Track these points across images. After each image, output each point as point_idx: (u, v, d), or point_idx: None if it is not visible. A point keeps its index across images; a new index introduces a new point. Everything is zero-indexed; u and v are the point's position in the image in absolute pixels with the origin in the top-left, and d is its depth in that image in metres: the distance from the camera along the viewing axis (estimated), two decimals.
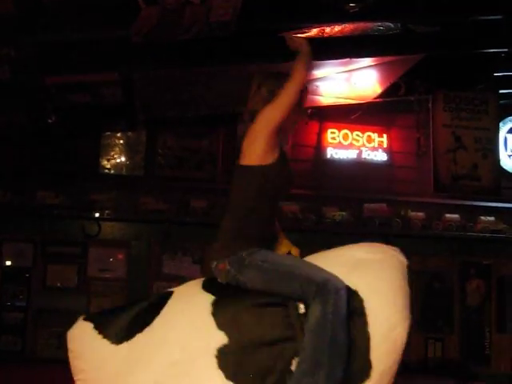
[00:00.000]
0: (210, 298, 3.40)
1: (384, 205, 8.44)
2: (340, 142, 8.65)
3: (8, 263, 7.96)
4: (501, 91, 8.64)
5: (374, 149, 8.76)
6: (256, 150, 3.45)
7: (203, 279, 3.63)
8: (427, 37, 6.51)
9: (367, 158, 8.74)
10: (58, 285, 7.97)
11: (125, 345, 3.39)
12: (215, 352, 3.21)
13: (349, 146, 8.69)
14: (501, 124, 8.91)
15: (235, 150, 8.43)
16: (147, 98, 7.03)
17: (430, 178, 8.49)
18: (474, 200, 8.68)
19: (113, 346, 3.42)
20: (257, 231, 3.57)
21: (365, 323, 3.27)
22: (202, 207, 7.94)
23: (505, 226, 8.61)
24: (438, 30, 6.39)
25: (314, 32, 5.98)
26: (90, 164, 8.22)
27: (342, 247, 3.69)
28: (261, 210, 3.56)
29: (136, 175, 8.31)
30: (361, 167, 8.71)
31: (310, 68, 3.61)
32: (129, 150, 8.35)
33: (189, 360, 3.23)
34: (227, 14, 4.84)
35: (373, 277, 3.40)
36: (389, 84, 7.78)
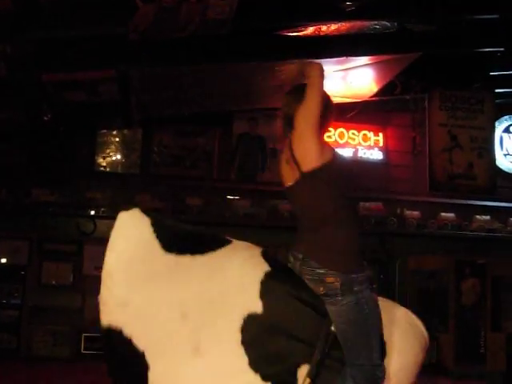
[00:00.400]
0: (265, 267, 3.40)
1: (380, 203, 8.46)
2: (336, 141, 8.66)
3: (3, 261, 7.95)
4: (497, 90, 8.66)
5: (369, 147, 8.78)
6: (312, 152, 3.43)
7: (263, 248, 3.56)
8: (423, 36, 6.52)
9: (363, 156, 8.76)
10: (54, 282, 7.96)
11: (172, 256, 3.37)
12: (245, 316, 3.26)
13: (345, 145, 8.70)
14: (496, 123, 8.93)
15: (230, 148, 8.46)
16: (143, 97, 7.02)
17: (425, 177, 8.50)
18: (469, 199, 8.69)
19: (161, 251, 3.39)
20: (357, 242, 3.48)
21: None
22: (198, 205, 7.94)
23: (500, 224, 8.63)
24: (434, 29, 6.39)
25: (310, 30, 5.99)
26: (85, 162, 8.21)
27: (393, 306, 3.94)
28: (348, 215, 3.51)
29: (132, 173, 8.31)
30: (357, 166, 8.71)
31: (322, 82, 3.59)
32: (125, 148, 8.35)
33: (220, 308, 3.27)
34: (224, 13, 4.84)
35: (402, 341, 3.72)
36: (385, 83, 7.79)
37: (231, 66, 6.26)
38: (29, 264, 7.96)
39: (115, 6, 4.89)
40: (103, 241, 8.40)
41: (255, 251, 3.50)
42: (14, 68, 5.57)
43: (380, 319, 3.45)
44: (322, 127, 3.51)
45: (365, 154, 8.75)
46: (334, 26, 5.99)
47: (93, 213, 7.83)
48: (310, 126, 3.42)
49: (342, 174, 3.53)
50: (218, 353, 3.22)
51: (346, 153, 8.67)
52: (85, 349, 7.68)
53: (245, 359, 3.21)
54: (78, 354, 7.71)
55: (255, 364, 3.22)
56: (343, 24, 5.96)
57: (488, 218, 8.68)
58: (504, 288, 8.90)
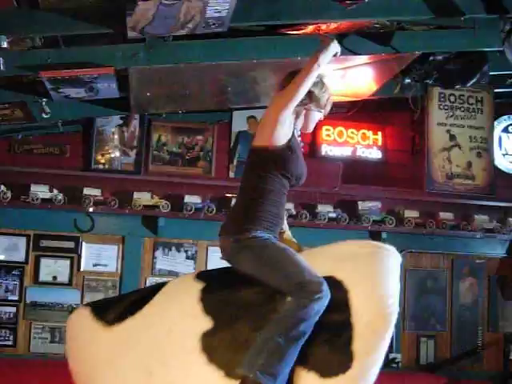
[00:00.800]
0: (200, 285, 3.49)
1: (378, 203, 8.46)
2: (335, 139, 8.66)
3: (1, 257, 7.94)
4: (496, 90, 8.65)
5: (368, 146, 8.78)
6: (267, 132, 3.61)
7: (199, 271, 3.70)
8: (423, 34, 6.51)
9: (362, 155, 8.76)
10: (51, 279, 7.95)
11: (115, 328, 3.52)
12: (200, 336, 3.31)
13: (343, 144, 8.70)
14: (495, 123, 8.93)
15: (229, 146, 8.46)
16: (142, 94, 7.01)
17: (424, 176, 8.49)
18: (467, 199, 8.69)
19: (105, 329, 3.54)
20: (266, 214, 3.62)
21: (348, 314, 3.33)
22: (196, 203, 7.93)
23: (498, 224, 8.63)
24: (433, 28, 6.39)
25: (309, 29, 5.98)
26: (84, 158, 8.20)
27: (336, 243, 3.74)
28: (272, 192, 3.64)
29: (130, 170, 8.29)
30: (355, 165, 8.72)
31: (324, 62, 3.70)
32: (123, 144, 8.33)
33: (174, 343, 3.34)
34: (223, 10, 4.83)
35: (361, 268, 3.45)
36: (384, 82, 7.78)
37: (230, 64, 6.25)
38: (26, 261, 7.95)
39: (114, 3, 4.88)
40: (101, 238, 8.47)
41: (188, 278, 3.64)
42: (12, 65, 5.56)
43: (292, 254, 3.53)
44: (290, 115, 3.64)
45: (363, 152, 8.75)
46: (333, 25, 5.99)
47: (91, 210, 7.82)
48: (276, 115, 3.58)
49: (286, 165, 3.65)
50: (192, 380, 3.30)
51: (344, 152, 8.68)
52: None
53: (220, 373, 3.27)
54: None
55: (229, 374, 3.26)
56: (343, 22, 5.96)
57: (486, 217, 8.68)
58: (501, 288, 8.90)
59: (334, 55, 3.82)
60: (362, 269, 3.44)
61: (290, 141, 3.66)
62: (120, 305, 3.63)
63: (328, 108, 3.92)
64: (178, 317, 3.40)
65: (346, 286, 3.37)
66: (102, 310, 3.65)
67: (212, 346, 3.28)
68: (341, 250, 3.63)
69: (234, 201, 7.93)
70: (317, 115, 3.87)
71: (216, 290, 3.47)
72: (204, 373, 3.26)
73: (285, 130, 3.63)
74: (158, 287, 3.68)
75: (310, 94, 3.73)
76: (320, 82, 3.85)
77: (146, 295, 3.63)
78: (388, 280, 3.44)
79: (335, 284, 3.37)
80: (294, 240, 3.97)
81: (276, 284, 3.43)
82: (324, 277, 3.39)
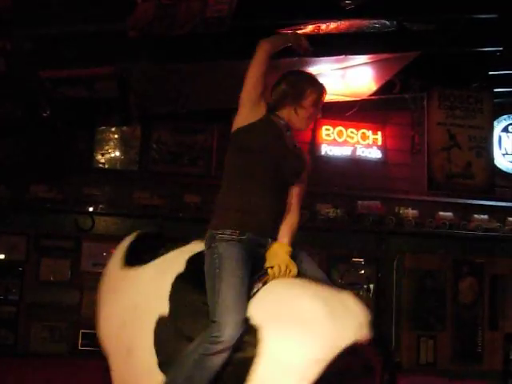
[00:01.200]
0: (180, 269, 3.48)
1: (378, 202, 8.47)
2: (334, 139, 8.67)
3: (1, 257, 7.95)
4: (496, 90, 8.66)
5: (368, 146, 8.78)
6: (237, 117, 3.57)
7: (194, 253, 3.57)
8: (423, 34, 6.52)
9: (361, 155, 8.76)
10: (51, 279, 7.96)
11: (124, 271, 3.85)
12: (157, 318, 3.38)
13: (343, 143, 8.71)
14: (495, 123, 8.93)
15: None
16: (142, 93, 7.02)
17: (424, 176, 8.50)
18: (467, 198, 8.71)
19: (120, 268, 3.92)
20: (235, 202, 3.44)
21: (251, 362, 3.04)
22: (196, 202, 7.94)
23: (498, 224, 8.64)
24: (433, 28, 6.40)
25: (309, 29, 5.99)
26: (84, 158, 8.21)
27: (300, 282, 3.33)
28: (245, 177, 3.47)
29: (130, 170, 8.31)
30: (355, 164, 8.72)
31: (269, 44, 3.73)
32: (123, 144, 8.35)
33: (144, 312, 3.46)
34: (223, 10, 4.84)
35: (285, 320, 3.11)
36: (384, 81, 7.79)
37: (230, 64, 6.25)
38: (27, 260, 7.96)
39: (114, 3, 4.89)
40: (101, 237, 8.46)
41: (184, 253, 3.62)
42: (14, 64, 5.57)
43: (237, 282, 3.18)
44: (251, 99, 3.61)
45: (363, 152, 8.76)
46: (333, 25, 5.99)
47: (91, 209, 7.83)
48: (241, 99, 3.60)
49: (261, 144, 3.52)
50: (140, 353, 3.42)
51: (344, 151, 8.69)
52: (82, 345, 7.69)
53: (155, 361, 3.32)
54: (75, 350, 7.72)
55: (163, 367, 3.29)
56: (342, 22, 5.97)
57: (486, 217, 8.69)
58: (501, 287, 8.91)
59: (291, 47, 3.81)
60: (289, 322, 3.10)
61: (253, 123, 3.54)
62: (140, 249, 3.88)
63: (317, 106, 3.84)
64: (155, 291, 3.49)
65: (260, 335, 3.06)
66: (130, 249, 3.94)
67: (160, 334, 3.35)
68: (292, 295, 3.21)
69: None
70: (305, 113, 3.77)
71: (188, 280, 3.41)
72: (148, 351, 3.36)
73: (244, 113, 3.57)
74: (167, 249, 3.72)
75: (285, 92, 3.72)
76: (295, 80, 3.77)
77: (157, 250, 3.75)
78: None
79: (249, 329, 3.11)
80: (287, 259, 3.38)
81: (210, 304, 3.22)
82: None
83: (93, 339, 7.56)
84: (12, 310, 7.83)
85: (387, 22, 6.16)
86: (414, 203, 8.64)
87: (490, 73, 8.19)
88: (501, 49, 6.85)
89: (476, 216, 8.66)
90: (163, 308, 3.37)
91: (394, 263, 8.58)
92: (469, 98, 8.65)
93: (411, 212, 8.49)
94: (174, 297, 3.37)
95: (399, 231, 8.41)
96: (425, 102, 8.53)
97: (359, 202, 8.41)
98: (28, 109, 6.92)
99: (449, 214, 8.59)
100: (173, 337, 3.30)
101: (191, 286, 3.40)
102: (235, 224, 3.36)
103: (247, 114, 3.55)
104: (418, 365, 8.54)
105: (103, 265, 8.07)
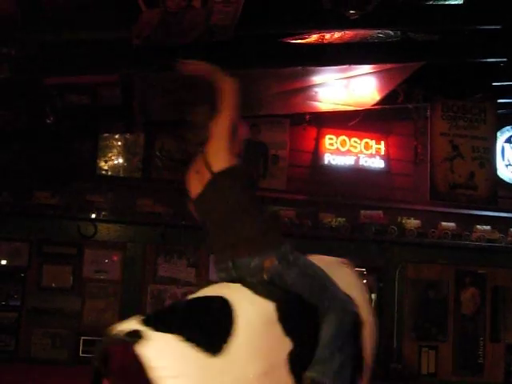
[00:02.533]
0: (270, 304, 3.36)
1: (380, 212, 8.46)
2: (338, 149, 8.67)
3: (3, 262, 7.95)
4: (499, 101, 8.66)
5: (371, 156, 8.79)
6: (224, 155, 3.77)
7: (238, 284, 3.46)
8: (426, 45, 6.53)
9: (364, 164, 8.76)
10: (53, 285, 7.95)
11: (219, 358, 3.09)
12: (285, 357, 3.31)
13: (346, 153, 8.71)
14: (498, 133, 8.94)
15: None
16: (146, 101, 7.03)
17: (426, 186, 8.50)
18: (470, 209, 8.70)
19: (208, 359, 3.06)
20: (266, 222, 3.70)
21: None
22: None
23: (501, 235, 8.63)
24: (437, 39, 6.41)
25: (313, 38, 6.00)
26: (87, 165, 8.22)
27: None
28: (252, 204, 3.73)
29: (133, 177, 8.31)
30: (358, 174, 8.72)
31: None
32: (127, 151, 8.35)
33: (273, 369, 3.27)
34: (228, 19, 4.85)
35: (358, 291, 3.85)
36: (387, 91, 7.80)
37: (234, 73, 6.26)
38: (29, 266, 7.95)
39: (119, 11, 4.90)
40: (104, 244, 8.46)
41: (246, 294, 3.45)
42: (18, 70, 5.58)
43: (324, 272, 3.65)
44: (234, 140, 3.89)
45: (366, 162, 8.76)
46: (337, 34, 6.01)
47: (94, 216, 7.83)
48: (223, 137, 3.80)
49: (246, 175, 3.88)
50: None
51: (347, 161, 8.69)
52: (83, 352, 7.67)
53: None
54: (76, 357, 7.71)
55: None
56: (347, 32, 5.98)
57: (488, 228, 8.68)
58: (503, 298, 8.89)
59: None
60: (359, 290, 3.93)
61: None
62: (200, 325, 3.19)
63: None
64: (268, 342, 3.27)
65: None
66: (190, 334, 3.08)
67: (296, 367, 3.34)
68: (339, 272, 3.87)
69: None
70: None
71: (287, 309, 3.40)
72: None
73: (233, 149, 3.94)
74: (220, 303, 3.29)
75: None
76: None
77: (217, 313, 3.27)
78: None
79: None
80: None
81: (321, 303, 3.51)
82: None
83: (94, 346, 7.62)
84: (13, 316, 7.82)
85: (391, 32, 6.17)
86: (417, 213, 8.64)
87: (494, 83, 8.21)
88: (505, 60, 6.86)
89: (478, 227, 8.65)
90: (285, 346, 3.32)
91: (396, 273, 8.57)
92: (472, 109, 8.66)
93: (414, 222, 8.49)
94: (288, 329, 3.35)
95: (401, 241, 8.40)
96: (428, 113, 8.54)
97: (362, 211, 8.40)
98: (32, 115, 6.93)
99: (451, 224, 8.58)
100: (305, 359, 3.41)
101: (301, 314, 3.51)
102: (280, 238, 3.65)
103: (232, 150, 3.92)
104: (420, 375, 8.52)
105: (105, 272, 8.12)
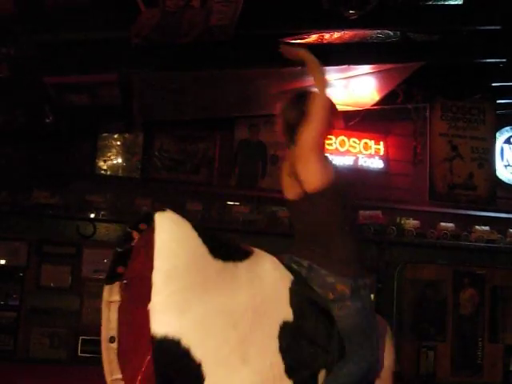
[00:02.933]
0: (290, 275, 3.49)
1: (379, 212, 8.45)
2: (337, 149, 8.67)
3: (2, 262, 7.94)
4: (498, 101, 8.67)
5: (370, 156, 8.79)
6: (315, 171, 3.57)
7: (276, 258, 3.56)
8: (426, 45, 6.54)
9: (363, 164, 8.76)
10: (52, 285, 7.94)
11: (219, 262, 3.25)
12: (281, 323, 3.33)
13: (345, 153, 8.71)
14: (497, 134, 8.94)
15: (231, 154, 8.47)
16: (145, 101, 7.03)
17: (425, 187, 8.51)
18: (469, 209, 8.70)
19: (210, 256, 3.23)
20: (358, 250, 3.72)
21: None
22: (198, 210, 7.93)
23: (499, 235, 8.63)
24: (436, 39, 6.41)
25: (313, 38, 6.01)
26: (86, 165, 8.22)
27: None
28: (349, 225, 3.72)
29: (132, 177, 8.31)
30: (357, 174, 8.72)
31: (323, 73, 3.81)
32: (125, 151, 8.35)
33: (262, 316, 3.31)
34: (227, 19, 4.85)
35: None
36: (387, 92, 7.80)
37: (233, 72, 6.27)
38: (27, 266, 7.94)
39: (118, 10, 4.90)
40: (102, 244, 8.45)
41: (275, 259, 3.55)
42: (17, 70, 5.58)
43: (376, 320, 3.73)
44: (324, 144, 3.76)
45: (365, 162, 8.76)
46: (336, 34, 6.01)
47: (92, 216, 7.83)
48: (314, 149, 3.59)
49: (343, 189, 3.67)
50: (261, 360, 3.26)
51: (346, 161, 8.69)
52: (82, 352, 7.67)
53: (282, 366, 3.29)
54: (74, 356, 7.70)
55: (290, 371, 3.30)
56: (346, 32, 5.98)
57: (487, 228, 8.68)
58: (502, 299, 8.89)
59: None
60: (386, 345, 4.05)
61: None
62: (221, 241, 3.43)
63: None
64: (271, 294, 3.37)
65: None
66: (204, 234, 3.28)
67: (286, 339, 3.33)
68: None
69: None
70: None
71: (300, 287, 3.49)
72: (273, 356, 3.30)
73: (326, 160, 3.81)
74: (249, 249, 3.51)
75: None
76: None
77: (241, 248, 3.48)
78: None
79: None
80: None
81: (358, 352, 3.53)
82: None
83: (92, 346, 7.62)
84: (12, 316, 7.80)
85: (391, 33, 6.18)
86: (416, 214, 8.64)
87: (493, 84, 8.21)
88: (504, 60, 6.86)
89: (477, 227, 8.64)
90: (286, 313, 3.36)
91: (395, 273, 8.57)
92: (471, 109, 8.67)
93: (412, 222, 8.48)
94: (295, 302, 3.39)
95: (400, 241, 8.39)
96: (427, 113, 8.55)
97: (360, 211, 8.39)
98: (31, 115, 6.93)
99: (450, 224, 8.58)
100: (297, 341, 3.36)
101: (307, 291, 3.50)
102: (363, 271, 3.75)
103: (325, 162, 3.75)
104: (418, 376, 8.51)
105: (104, 272, 8.08)
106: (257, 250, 3.53)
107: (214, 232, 3.57)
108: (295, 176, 3.61)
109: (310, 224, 3.66)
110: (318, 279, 3.55)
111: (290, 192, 3.71)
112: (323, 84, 3.70)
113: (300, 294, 3.45)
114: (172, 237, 3.19)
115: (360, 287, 3.56)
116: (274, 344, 3.29)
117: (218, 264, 3.25)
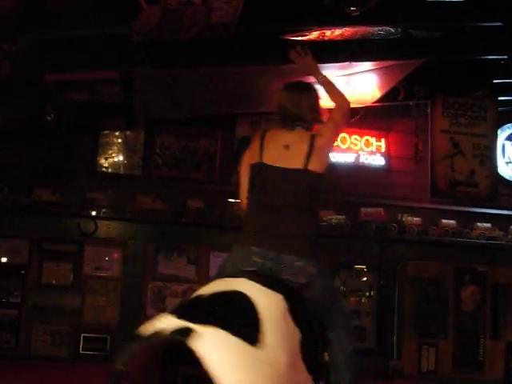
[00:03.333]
0: (279, 296, 3.41)
1: (381, 209, 8.45)
2: (338, 146, 8.65)
3: (3, 260, 7.95)
4: (500, 98, 8.66)
5: (371, 153, 8.77)
6: (323, 160, 4.04)
7: (248, 278, 3.42)
8: (427, 42, 6.53)
9: (365, 162, 8.75)
10: (53, 282, 7.95)
11: (258, 347, 3.04)
12: (298, 346, 3.37)
13: (347, 150, 8.69)
14: (499, 131, 8.93)
15: (233, 151, 8.46)
16: (146, 98, 7.03)
17: (427, 184, 8.50)
18: (470, 206, 8.69)
19: (252, 349, 3.01)
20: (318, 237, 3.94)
21: None
22: (199, 207, 7.93)
23: (501, 232, 8.62)
24: (438, 36, 6.40)
25: (314, 35, 6.00)
26: (87, 162, 8.21)
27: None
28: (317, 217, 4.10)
29: (133, 174, 8.31)
30: (358, 171, 8.71)
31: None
32: (127, 149, 8.35)
33: (293, 357, 3.32)
34: (228, 16, 4.85)
35: None
36: (388, 88, 7.79)
37: (234, 69, 6.26)
38: (29, 263, 7.95)
39: (119, 8, 4.90)
40: (104, 242, 8.45)
41: (258, 287, 3.40)
42: (18, 67, 5.58)
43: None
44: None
45: (367, 159, 8.75)
46: (338, 31, 6.00)
47: (94, 213, 7.83)
48: (329, 149, 4.20)
49: (324, 189, 4.09)
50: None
51: (348, 158, 8.68)
52: (83, 349, 7.68)
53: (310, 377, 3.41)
54: (76, 354, 7.71)
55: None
56: (347, 29, 5.98)
57: (489, 225, 8.66)
58: (504, 296, 8.89)
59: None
60: None
61: None
62: (232, 314, 3.14)
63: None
64: (287, 335, 3.30)
65: None
66: (228, 323, 2.97)
67: (303, 351, 3.42)
68: None
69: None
70: None
71: (294, 303, 3.47)
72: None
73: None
74: (240, 294, 3.26)
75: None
76: None
77: (239, 304, 3.22)
78: None
79: None
80: None
81: (336, 321, 3.86)
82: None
83: (94, 343, 7.64)
84: (13, 313, 7.82)
85: (392, 29, 6.17)
86: (417, 211, 8.63)
87: (495, 81, 8.20)
88: (505, 57, 6.85)
89: (479, 224, 8.63)
90: (297, 336, 3.42)
91: (397, 271, 8.57)
92: (473, 106, 8.65)
93: (414, 219, 8.47)
94: (297, 320, 3.43)
95: (402, 239, 8.38)
96: (429, 110, 8.53)
97: (362, 208, 8.39)
98: (32, 112, 6.93)
99: (452, 221, 8.57)
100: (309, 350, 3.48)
101: (297, 303, 3.55)
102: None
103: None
104: (420, 373, 8.51)
105: (106, 269, 8.12)
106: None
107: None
108: (307, 154, 3.91)
109: (293, 194, 3.84)
110: (287, 268, 3.67)
111: (282, 161, 3.89)
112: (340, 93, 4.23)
113: (296, 309, 3.46)
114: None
115: (322, 265, 3.84)
116: (304, 367, 3.40)
117: (257, 350, 3.03)
